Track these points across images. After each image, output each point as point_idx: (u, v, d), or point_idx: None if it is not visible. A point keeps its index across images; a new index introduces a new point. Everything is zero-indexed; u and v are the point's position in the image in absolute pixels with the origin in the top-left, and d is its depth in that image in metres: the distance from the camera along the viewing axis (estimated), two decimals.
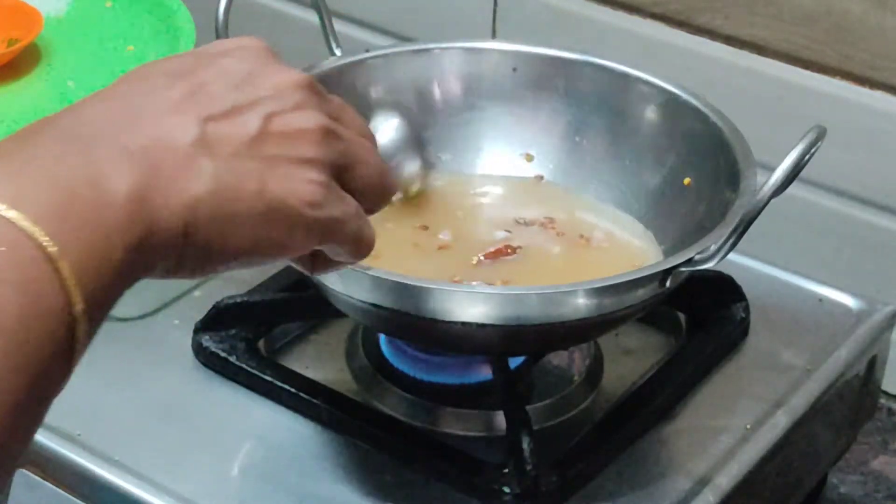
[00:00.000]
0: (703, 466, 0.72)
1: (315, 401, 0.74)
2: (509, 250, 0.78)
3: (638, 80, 0.81)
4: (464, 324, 0.66)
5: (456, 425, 0.74)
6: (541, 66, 0.83)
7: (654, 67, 0.81)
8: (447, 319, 0.66)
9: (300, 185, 0.50)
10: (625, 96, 0.81)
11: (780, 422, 0.76)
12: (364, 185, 0.53)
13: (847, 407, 0.83)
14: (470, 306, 0.65)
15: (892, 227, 0.96)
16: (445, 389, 0.76)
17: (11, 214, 0.42)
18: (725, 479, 0.72)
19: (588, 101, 0.83)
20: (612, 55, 0.82)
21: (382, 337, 0.78)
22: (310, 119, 0.51)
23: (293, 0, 1.18)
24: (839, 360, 0.81)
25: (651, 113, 0.81)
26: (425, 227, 0.79)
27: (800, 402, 0.77)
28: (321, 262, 0.55)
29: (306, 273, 0.56)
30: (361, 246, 0.54)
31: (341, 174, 0.52)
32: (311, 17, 0.82)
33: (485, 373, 0.75)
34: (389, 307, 0.66)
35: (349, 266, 0.56)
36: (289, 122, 0.50)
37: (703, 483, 0.71)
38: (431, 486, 0.70)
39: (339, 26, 0.82)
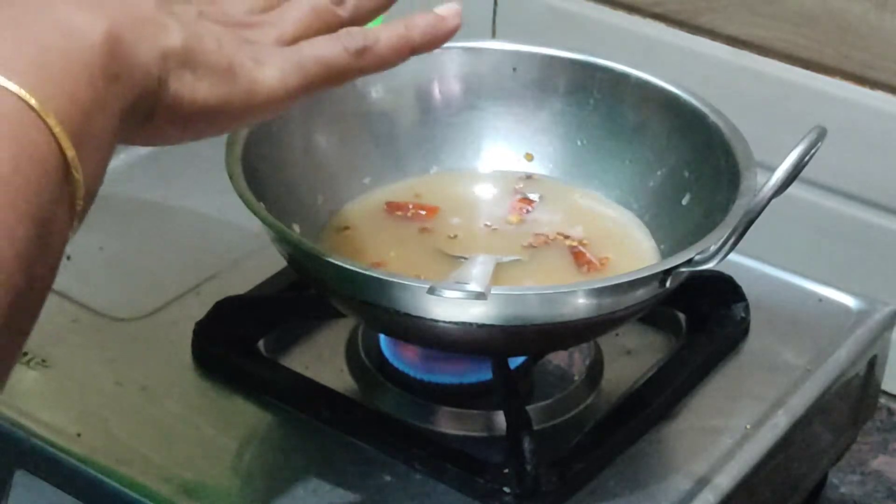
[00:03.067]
0: (703, 466, 0.72)
1: (315, 401, 0.74)
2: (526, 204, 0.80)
3: (638, 80, 0.81)
4: (464, 324, 0.66)
5: (456, 425, 0.74)
6: (541, 65, 0.83)
7: (654, 67, 0.81)
8: (447, 320, 0.66)
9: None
10: (625, 96, 0.81)
11: (780, 422, 0.76)
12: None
13: (847, 407, 0.83)
14: (470, 306, 0.65)
15: (892, 227, 0.96)
16: (445, 389, 0.76)
17: None
18: (725, 479, 0.72)
19: (588, 100, 0.83)
20: (612, 55, 0.82)
21: (382, 337, 0.78)
22: None
23: None
24: (839, 360, 0.81)
25: (651, 113, 0.81)
26: (426, 230, 0.79)
27: (800, 402, 0.77)
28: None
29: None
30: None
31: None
32: None
33: (485, 373, 0.75)
34: (389, 307, 0.66)
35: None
36: None
37: (703, 483, 0.71)
38: (431, 486, 0.70)
39: None
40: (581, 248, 0.78)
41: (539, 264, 0.77)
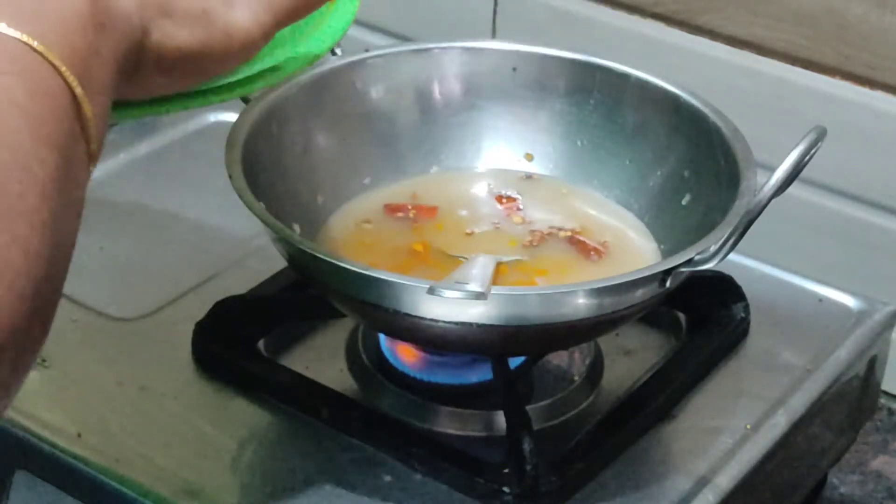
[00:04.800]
0: (703, 466, 0.72)
1: (315, 401, 0.74)
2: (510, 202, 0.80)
3: (638, 79, 0.81)
4: (464, 324, 0.66)
5: (456, 425, 0.74)
6: (541, 65, 0.83)
7: (654, 67, 0.81)
8: (447, 320, 0.66)
9: None
10: (625, 96, 0.82)
11: (780, 422, 0.76)
12: None
13: (847, 407, 0.83)
14: (470, 306, 0.65)
15: (892, 227, 0.96)
16: (445, 389, 0.76)
17: None
18: (725, 479, 0.72)
19: (588, 100, 0.83)
20: (612, 55, 0.82)
21: (382, 337, 0.78)
22: None
23: None
24: (839, 360, 0.81)
25: (651, 113, 0.81)
26: (426, 230, 0.79)
27: (800, 402, 0.77)
28: None
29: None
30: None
31: None
32: None
33: (485, 373, 0.75)
34: (389, 307, 0.66)
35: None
36: None
37: (703, 483, 0.71)
38: (431, 486, 0.70)
39: None
40: (579, 237, 0.78)
41: (545, 259, 0.77)
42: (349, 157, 0.81)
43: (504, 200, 0.82)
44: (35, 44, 0.47)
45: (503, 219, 0.81)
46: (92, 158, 0.49)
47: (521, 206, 0.81)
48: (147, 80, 0.55)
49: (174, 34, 0.55)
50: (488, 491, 0.69)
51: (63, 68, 0.47)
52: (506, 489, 0.68)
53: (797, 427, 0.76)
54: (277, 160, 0.77)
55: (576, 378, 0.78)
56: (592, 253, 0.77)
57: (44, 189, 0.44)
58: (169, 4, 0.55)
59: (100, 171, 0.94)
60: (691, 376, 0.78)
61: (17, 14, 0.47)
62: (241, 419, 0.75)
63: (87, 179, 0.49)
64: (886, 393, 0.96)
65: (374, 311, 0.67)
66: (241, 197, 0.69)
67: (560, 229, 0.79)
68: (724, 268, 0.75)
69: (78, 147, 0.48)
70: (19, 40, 0.46)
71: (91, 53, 0.49)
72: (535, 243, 0.78)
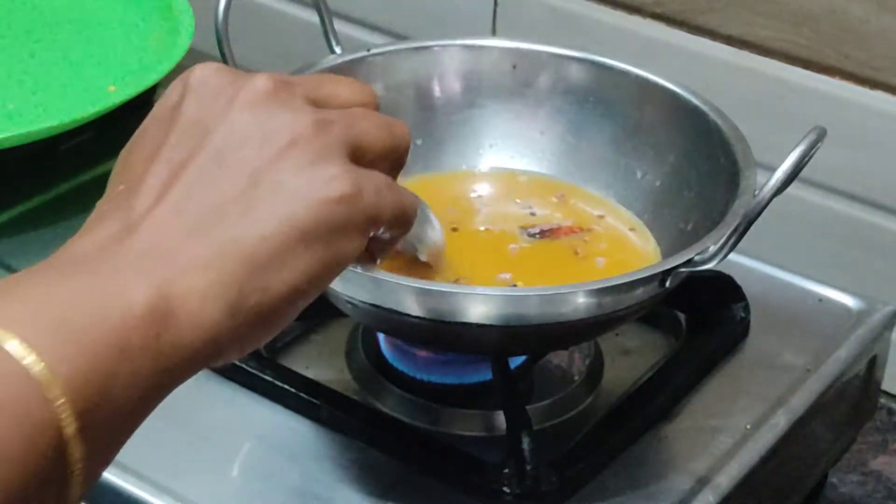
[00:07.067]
0: (703, 466, 0.72)
1: (315, 401, 0.74)
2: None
3: (638, 78, 0.81)
4: (464, 324, 0.66)
5: (456, 425, 0.74)
6: (541, 63, 0.83)
7: (654, 67, 0.81)
8: (447, 320, 0.66)
9: (320, 188, 0.47)
10: (625, 95, 0.81)
11: (780, 422, 0.76)
12: (378, 151, 0.51)
13: (847, 407, 0.83)
14: (470, 307, 0.65)
15: (892, 227, 0.96)
16: (445, 389, 0.76)
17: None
18: (725, 479, 0.72)
19: (588, 99, 0.83)
20: (612, 55, 0.82)
21: (382, 337, 0.78)
22: (292, 125, 0.48)
23: (293, 0, 1.18)
24: (839, 360, 0.81)
25: (651, 112, 0.81)
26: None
27: (800, 402, 0.77)
28: (378, 247, 0.54)
29: (367, 269, 0.54)
30: (405, 214, 0.52)
31: (352, 155, 0.50)
32: (312, 16, 0.82)
33: (485, 373, 0.75)
34: (389, 308, 0.66)
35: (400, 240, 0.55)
36: (274, 140, 0.48)
37: (703, 483, 0.71)
38: (431, 486, 0.70)
39: (339, 26, 0.82)
40: (578, 235, 0.78)
41: (544, 259, 0.77)
42: None
43: (503, 199, 0.82)
44: (37, 368, 0.40)
45: (502, 217, 0.81)
46: (66, 496, 0.41)
47: (519, 204, 0.81)
48: (240, 354, 0.48)
49: (273, 291, 0.46)
50: (488, 491, 0.69)
51: (59, 401, 0.40)
52: (506, 489, 0.68)
53: (797, 427, 0.76)
54: None
55: (576, 378, 0.78)
56: (592, 252, 0.77)
57: None
58: (254, 264, 0.46)
59: (99, 170, 0.95)
60: (691, 376, 0.78)
61: (39, 323, 0.41)
62: (241, 419, 0.75)
63: None
64: (886, 393, 0.96)
65: (374, 311, 0.67)
66: None
67: (559, 228, 0.79)
68: (724, 268, 0.74)
69: (45, 489, 0.40)
70: (19, 362, 0.40)
71: (127, 389, 0.42)
72: (534, 242, 0.78)
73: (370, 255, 0.55)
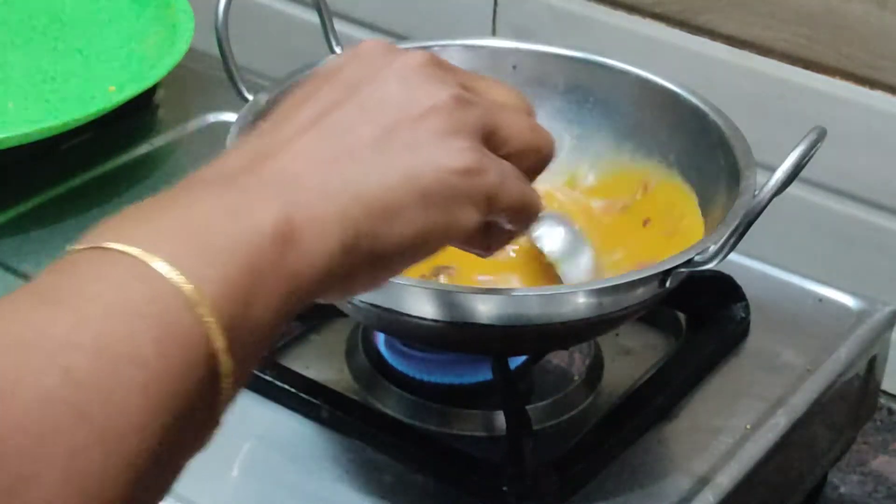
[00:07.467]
0: (703, 466, 0.72)
1: (315, 401, 0.74)
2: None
3: (637, 78, 0.81)
4: (464, 324, 0.66)
5: (456, 425, 0.74)
6: (540, 63, 0.83)
7: (654, 67, 0.81)
8: (447, 320, 0.66)
9: (448, 157, 0.50)
10: (625, 94, 0.81)
11: (780, 422, 0.76)
12: (516, 146, 0.53)
13: (847, 407, 0.83)
14: (470, 307, 0.65)
15: (892, 227, 0.96)
16: (445, 389, 0.76)
17: (136, 252, 0.42)
18: (725, 479, 0.72)
19: (588, 98, 0.82)
20: (612, 55, 0.82)
21: (382, 337, 0.78)
22: (436, 94, 0.51)
23: (293, 0, 1.18)
24: (839, 360, 0.81)
25: (651, 111, 0.81)
26: None
27: (800, 402, 0.77)
28: (495, 237, 0.55)
29: (483, 254, 0.55)
30: (528, 209, 0.54)
31: (488, 140, 0.52)
32: (312, 16, 0.82)
33: (485, 373, 0.75)
34: (389, 308, 0.66)
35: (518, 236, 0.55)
36: (417, 103, 0.51)
37: (703, 483, 0.71)
38: (431, 486, 0.70)
39: (339, 26, 0.82)
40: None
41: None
42: None
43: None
44: (187, 286, 0.42)
45: None
46: (215, 411, 0.44)
47: None
48: (346, 294, 0.50)
49: (386, 239, 0.48)
50: (488, 491, 0.69)
51: (209, 318, 0.42)
52: (506, 489, 0.68)
53: (797, 427, 0.76)
54: None
55: (576, 378, 0.78)
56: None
57: (136, 461, 0.40)
58: (377, 207, 0.48)
59: (99, 170, 0.95)
60: (691, 376, 0.78)
61: (181, 245, 0.43)
62: (241, 419, 0.75)
63: (206, 436, 0.44)
64: (886, 393, 0.96)
65: (374, 311, 0.67)
66: None
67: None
68: (724, 268, 0.74)
69: (198, 403, 0.42)
70: (167, 278, 0.42)
71: (262, 308, 0.44)
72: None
73: (485, 242, 0.56)
